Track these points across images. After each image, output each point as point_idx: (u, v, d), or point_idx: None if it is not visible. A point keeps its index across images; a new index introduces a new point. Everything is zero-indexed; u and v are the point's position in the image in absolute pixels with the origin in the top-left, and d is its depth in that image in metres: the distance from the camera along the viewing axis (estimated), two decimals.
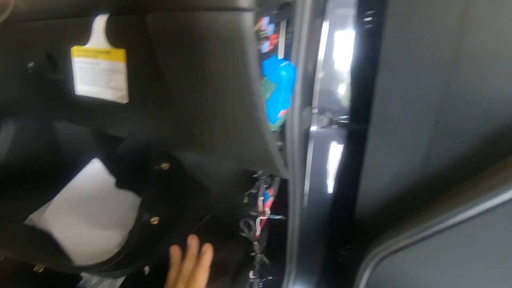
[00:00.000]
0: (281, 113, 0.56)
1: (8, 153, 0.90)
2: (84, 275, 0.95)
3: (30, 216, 0.91)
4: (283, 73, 0.51)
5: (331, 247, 0.90)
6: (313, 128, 0.70)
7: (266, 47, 0.51)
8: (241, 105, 0.49)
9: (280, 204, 0.83)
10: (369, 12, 0.66)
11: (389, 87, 0.59)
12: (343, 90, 0.72)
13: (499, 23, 0.47)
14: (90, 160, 1.01)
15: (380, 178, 0.64)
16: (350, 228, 0.77)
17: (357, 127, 0.72)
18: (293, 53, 0.53)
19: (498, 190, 0.44)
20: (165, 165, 0.87)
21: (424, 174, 0.57)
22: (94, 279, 0.97)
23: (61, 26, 0.62)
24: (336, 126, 0.72)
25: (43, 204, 0.93)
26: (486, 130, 0.49)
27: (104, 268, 0.76)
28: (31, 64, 0.75)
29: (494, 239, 0.49)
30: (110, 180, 1.00)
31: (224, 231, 1.01)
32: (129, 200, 0.97)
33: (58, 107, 0.84)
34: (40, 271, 0.74)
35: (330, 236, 0.89)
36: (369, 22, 0.66)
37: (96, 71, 0.58)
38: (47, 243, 0.86)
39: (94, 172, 1.00)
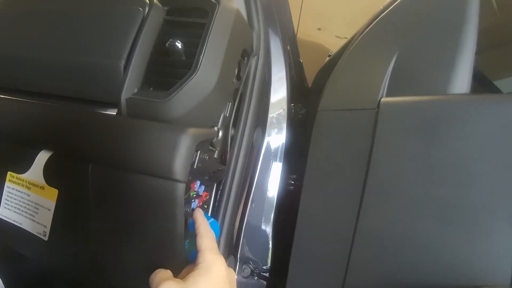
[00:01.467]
0: None
1: None
2: None
3: None
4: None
5: None
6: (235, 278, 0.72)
7: (196, 204, 0.56)
8: (164, 258, 0.51)
9: None
10: (292, 176, 0.76)
11: (303, 246, 0.65)
12: (266, 243, 0.76)
13: (390, 212, 0.57)
14: None
15: None
16: None
17: (276, 282, 0.75)
18: (221, 213, 0.58)
19: None
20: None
21: None
22: None
23: (1, 148, 0.64)
24: (256, 278, 0.75)
25: None
26: None
27: None
28: None
29: None
30: None
31: None
32: None
33: None
34: None
35: None
36: (292, 184, 0.76)
37: (24, 201, 0.58)
38: None
39: None
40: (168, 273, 0.45)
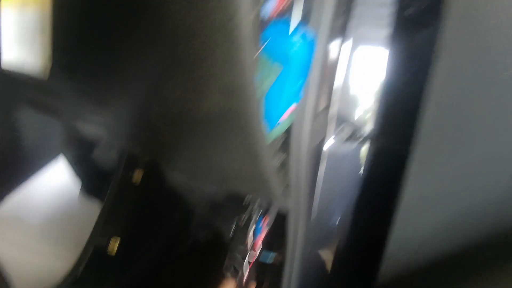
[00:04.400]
0: (288, 112, 0.38)
1: None
2: None
3: None
4: (295, 48, 0.33)
5: None
6: (329, 141, 0.52)
7: (270, 8, 0.33)
8: (224, 94, 0.31)
9: (277, 235, 0.64)
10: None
11: (443, 99, 0.40)
12: (371, 96, 0.53)
13: None
14: (54, 158, 0.84)
15: (421, 219, 0.45)
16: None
17: (392, 146, 0.53)
18: (313, 18, 0.35)
19: None
20: (138, 172, 0.69)
21: (477, 220, 0.39)
22: None
23: None
24: (360, 141, 0.54)
25: None
26: None
27: None
28: None
29: None
30: (75, 185, 0.82)
31: (208, 264, 0.82)
32: (91, 213, 0.79)
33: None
34: None
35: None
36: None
37: None
38: None
39: (57, 173, 0.83)
40: None
